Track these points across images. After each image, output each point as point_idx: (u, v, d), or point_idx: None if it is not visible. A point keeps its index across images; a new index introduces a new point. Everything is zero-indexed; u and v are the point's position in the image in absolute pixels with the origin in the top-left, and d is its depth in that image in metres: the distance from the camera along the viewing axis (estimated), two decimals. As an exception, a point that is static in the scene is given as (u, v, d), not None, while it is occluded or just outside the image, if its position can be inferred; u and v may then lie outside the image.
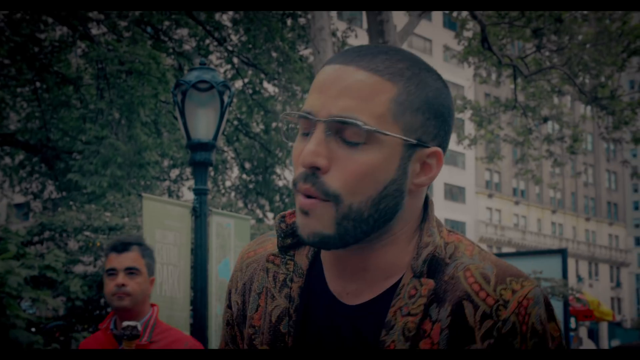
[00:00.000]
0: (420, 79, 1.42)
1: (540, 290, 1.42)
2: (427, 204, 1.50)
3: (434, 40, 61.88)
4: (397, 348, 1.38)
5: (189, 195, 26.13)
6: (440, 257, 1.44)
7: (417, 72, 1.43)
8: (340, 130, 1.38)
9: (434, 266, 1.43)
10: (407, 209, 1.44)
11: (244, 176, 22.65)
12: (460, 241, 1.48)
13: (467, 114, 23.29)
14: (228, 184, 24.00)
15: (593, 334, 57.83)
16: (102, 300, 17.39)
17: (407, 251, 1.46)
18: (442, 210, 61.82)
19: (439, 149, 1.44)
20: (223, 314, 1.64)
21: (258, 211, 22.75)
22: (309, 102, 1.41)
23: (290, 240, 1.53)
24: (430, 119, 1.42)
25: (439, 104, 1.44)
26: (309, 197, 1.39)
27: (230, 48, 18.88)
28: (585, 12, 19.34)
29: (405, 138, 1.39)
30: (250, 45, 18.54)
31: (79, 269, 18.17)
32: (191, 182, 21.99)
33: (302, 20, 18.38)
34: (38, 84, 17.90)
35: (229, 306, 1.62)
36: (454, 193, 63.45)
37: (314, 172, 1.38)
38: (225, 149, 22.24)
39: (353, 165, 1.37)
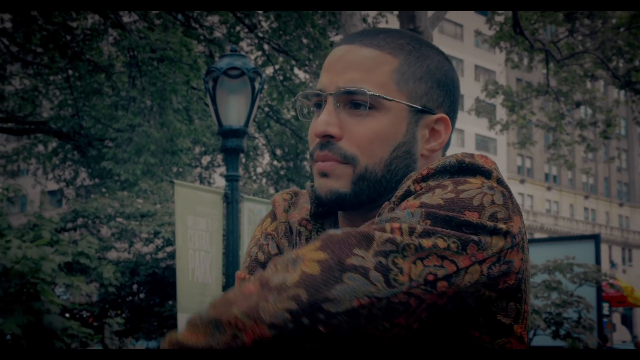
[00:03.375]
0: (421, 52, 1.53)
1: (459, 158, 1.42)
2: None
3: (465, 25, 61.49)
4: None
5: (220, 182, 26.25)
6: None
7: (417, 46, 1.53)
8: (348, 101, 1.48)
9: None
10: None
11: (275, 162, 22.69)
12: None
13: (499, 99, 23.13)
14: (259, 170, 24.05)
15: (627, 320, 57.41)
16: (134, 287, 17.52)
17: None
18: (474, 196, 61.51)
19: (445, 116, 1.54)
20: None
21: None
22: (320, 81, 1.52)
23: (321, 208, 1.61)
24: (434, 88, 1.52)
25: (441, 74, 1.54)
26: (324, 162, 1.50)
27: (260, 35, 18.88)
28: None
29: (409, 104, 1.49)
30: (281, 32, 18.53)
31: (112, 255, 18.32)
32: (223, 169, 22.07)
33: (332, 6, 18.33)
34: (70, 72, 18.00)
35: (255, 255, 1.65)
36: (486, 179, 63.08)
37: (328, 140, 1.49)
38: (257, 135, 22.28)
39: (363, 130, 1.47)
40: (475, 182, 1.37)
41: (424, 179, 1.41)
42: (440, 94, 1.53)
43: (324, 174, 1.50)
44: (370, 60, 1.49)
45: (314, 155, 1.51)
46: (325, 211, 1.62)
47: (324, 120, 1.48)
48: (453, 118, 1.56)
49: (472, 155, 1.43)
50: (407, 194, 1.41)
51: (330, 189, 1.49)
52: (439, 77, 1.53)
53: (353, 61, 1.49)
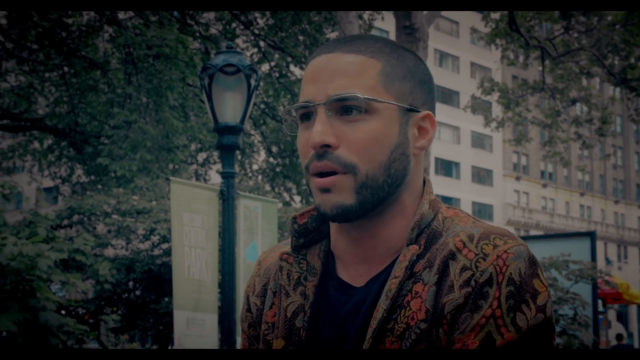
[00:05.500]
0: (399, 53, 1.56)
1: (526, 248, 1.46)
2: (424, 180, 1.61)
3: (461, 22, 61.50)
4: (382, 309, 1.46)
5: (216, 179, 26.24)
6: (438, 230, 1.52)
7: (393, 48, 1.56)
8: (340, 108, 1.49)
9: (430, 237, 1.52)
10: (413, 175, 1.55)
11: (271, 159, 22.68)
12: (457, 215, 1.56)
13: (495, 96, 23.15)
14: (255, 167, 24.05)
15: (622, 317, 57.50)
16: (130, 283, 17.51)
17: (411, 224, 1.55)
18: (470, 193, 61.62)
19: (430, 112, 1.57)
20: (242, 319, 1.72)
21: (285, 194, 22.79)
22: (304, 93, 1.52)
23: (303, 239, 1.61)
24: (417, 86, 1.55)
25: (420, 72, 1.57)
26: (324, 175, 1.49)
27: (256, 31, 18.87)
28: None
29: (399, 104, 1.51)
30: (277, 29, 18.52)
31: (110, 252, 18.31)
32: (218, 166, 22.07)
33: (328, 3, 18.31)
34: (66, 69, 17.98)
35: (249, 309, 1.70)
36: (482, 176, 63.20)
37: (325, 150, 1.48)
38: (252, 132, 22.28)
39: (359, 135, 1.47)
40: (542, 288, 1.47)
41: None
42: (422, 91, 1.56)
43: (326, 190, 1.49)
44: (356, 65, 1.50)
45: (311, 168, 1.50)
46: (308, 240, 1.62)
47: (319, 131, 1.47)
48: (434, 114, 1.59)
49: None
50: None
51: (335, 204, 1.48)
52: (419, 75, 1.56)
53: (339, 68, 1.50)
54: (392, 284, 1.47)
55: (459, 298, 1.42)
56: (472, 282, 1.42)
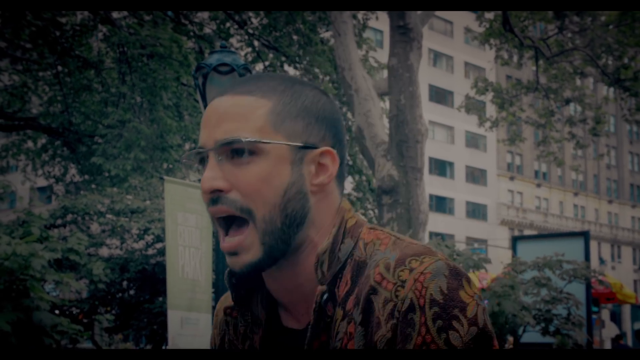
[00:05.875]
0: (294, 90, 1.52)
1: (444, 263, 1.41)
2: (341, 212, 1.55)
3: (455, 22, 61.57)
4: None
5: (210, 179, 26.19)
6: (362, 259, 1.48)
7: (289, 85, 1.52)
8: (230, 152, 1.46)
9: (355, 269, 1.48)
10: (316, 212, 1.50)
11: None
12: (377, 237, 1.51)
13: (489, 96, 23.17)
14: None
15: (615, 317, 57.58)
16: (124, 283, 17.49)
17: None
18: (463, 193, 61.70)
19: (330, 148, 1.51)
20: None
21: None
22: (199, 139, 1.51)
23: (243, 291, 1.59)
24: (312, 123, 1.50)
25: (317, 108, 1.52)
26: (229, 229, 1.47)
27: (250, 31, 18.87)
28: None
29: (288, 143, 1.47)
30: (271, 28, 18.52)
31: (104, 252, 18.29)
32: (212, 165, 22.05)
33: (322, 3, 18.32)
34: (60, 68, 17.96)
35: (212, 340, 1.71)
36: (476, 176, 63.27)
37: (218, 195, 1.46)
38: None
39: (250, 178, 1.45)
40: (469, 299, 1.40)
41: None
42: (320, 128, 1.51)
43: (234, 253, 1.47)
44: (244, 108, 1.48)
45: (210, 213, 1.49)
46: (249, 290, 1.60)
47: (209, 176, 1.46)
48: (341, 149, 1.54)
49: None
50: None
51: (244, 263, 1.46)
52: (316, 112, 1.52)
53: (227, 112, 1.48)
54: (311, 337, 1.46)
55: (387, 332, 1.39)
56: (396, 313, 1.39)
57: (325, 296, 1.46)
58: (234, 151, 1.46)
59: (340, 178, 1.54)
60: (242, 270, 1.47)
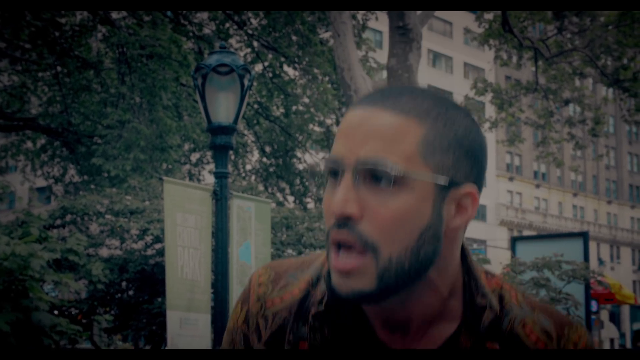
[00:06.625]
0: (448, 117, 1.37)
1: (590, 336, 1.47)
2: (464, 252, 1.44)
3: (454, 23, 61.57)
4: None
5: (209, 179, 26.26)
6: (494, 309, 1.42)
7: (443, 110, 1.37)
8: (369, 175, 1.32)
9: (491, 324, 1.41)
10: (443, 255, 1.37)
11: (264, 159, 22.68)
12: (501, 287, 1.45)
13: (488, 96, 23.17)
14: (248, 167, 24.03)
15: (614, 317, 57.59)
16: (123, 284, 17.49)
17: (448, 296, 1.42)
18: (463, 193, 61.65)
19: (474, 189, 1.37)
20: (233, 321, 1.57)
21: (278, 194, 22.78)
22: (335, 149, 1.35)
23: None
24: (462, 158, 1.36)
25: (470, 141, 1.38)
26: (343, 247, 1.34)
27: (250, 31, 18.87)
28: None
29: (437, 180, 1.33)
30: (270, 29, 18.52)
31: (104, 252, 18.29)
32: (212, 166, 22.05)
33: (322, 3, 18.33)
34: (59, 69, 17.95)
35: (246, 321, 1.54)
36: (475, 176, 63.24)
37: (346, 221, 1.32)
38: (246, 132, 22.27)
39: (386, 212, 1.31)
40: None
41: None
42: (468, 163, 1.37)
43: (345, 274, 1.33)
44: (394, 128, 1.32)
45: (330, 236, 1.34)
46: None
47: (341, 199, 1.31)
48: (480, 189, 1.39)
49: None
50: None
51: (353, 289, 1.33)
52: (467, 144, 1.37)
53: (374, 129, 1.32)
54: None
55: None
56: None
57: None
58: (374, 175, 1.31)
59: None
60: (348, 296, 1.34)
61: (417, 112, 1.34)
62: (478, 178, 1.39)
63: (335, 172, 1.35)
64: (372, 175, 1.31)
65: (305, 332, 1.46)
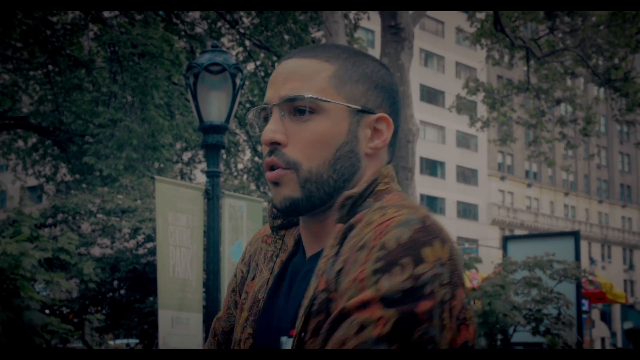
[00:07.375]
0: (357, 59, 1.62)
1: (420, 219, 1.42)
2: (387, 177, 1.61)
3: (446, 22, 61.62)
4: (312, 287, 1.48)
5: (201, 178, 26.27)
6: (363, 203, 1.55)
7: (352, 54, 1.63)
8: (292, 108, 1.57)
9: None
10: (364, 173, 1.59)
11: (256, 158, 22.67)
12: (392, 199, 1.55)
13: (480, 96, 23.21)
14: (240, 166, 24.03)
15: (606, 317, 57.73)
16: (115, 283, 17.47)
17: None
18: (454, 192, 61.74)
19: (386, 115, 1.60)
20: (229, 283, 1.82)
21: (270, 193, 22.77)
22: (265, 97, 1.61)
23: (280, 220, 1.71)
24: (371, 89, 1.60)
25: (377, 77, 1.62)
26: (273, 168, 1.57)
27: (242, 30, 18.85)
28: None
29: (347, 104, 1.57)
30: (262, 28, 18.51)
31: (95, 251, 18.27)
32: (204, 165, 22.03)
33: (314, 3, 18.31)
34: (50, 67, 17.91)
35: (235, 274, 1.81)
36: (467, 175, 63.34)
37: (275, 147, 1.57)
38: (238, 131, 22.25)
39: (306, 135, 1.55)
40: (430, 257, 1.38)
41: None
42: (378, 95, 1.61)
43: (276, 183, 1.58)
44: (309, 69, 1.58)
45: (264, 161, 1.59)
46: (288, 222, 1.71)
47: (270, 129, 1.56)
48: (396, 119, 1.63)
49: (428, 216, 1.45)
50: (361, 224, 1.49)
51: (284, 196, 1.56)
52: (375, 80, 1.61)
53: (292, 72, 1.58)
54: (321, 263, 1.49)
55: (340, 264, 1.44)
56: (352, 248, 1.44)
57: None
58: (297, 109, 1.56)
59: (392, 146, 1.65)
60: (280, 204, 1.58)
61: (329, 56, 1.60)
62: (392, 109, 1.63)
63: (267, 117, 1.62)
64: (294, 109, 1.56)
65: (266, 247, 1.73)
